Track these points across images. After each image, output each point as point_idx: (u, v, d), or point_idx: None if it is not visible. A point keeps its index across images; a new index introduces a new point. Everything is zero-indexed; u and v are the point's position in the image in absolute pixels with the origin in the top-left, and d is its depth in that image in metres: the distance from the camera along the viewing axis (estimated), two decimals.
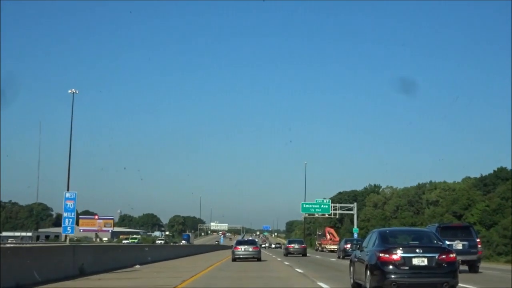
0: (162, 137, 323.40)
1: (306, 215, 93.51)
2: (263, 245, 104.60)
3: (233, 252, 35.21)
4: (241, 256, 34.51)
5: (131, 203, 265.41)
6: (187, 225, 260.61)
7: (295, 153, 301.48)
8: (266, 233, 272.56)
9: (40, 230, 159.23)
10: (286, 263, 32.51)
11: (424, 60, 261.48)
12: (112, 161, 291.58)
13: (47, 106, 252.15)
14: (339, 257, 44.98)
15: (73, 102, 53.66)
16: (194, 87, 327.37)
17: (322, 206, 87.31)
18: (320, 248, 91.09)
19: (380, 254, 13.25)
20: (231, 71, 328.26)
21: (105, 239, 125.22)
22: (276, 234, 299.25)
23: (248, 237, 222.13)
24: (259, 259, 34.64)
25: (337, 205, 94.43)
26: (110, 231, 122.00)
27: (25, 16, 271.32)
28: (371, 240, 14.62)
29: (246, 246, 35.47)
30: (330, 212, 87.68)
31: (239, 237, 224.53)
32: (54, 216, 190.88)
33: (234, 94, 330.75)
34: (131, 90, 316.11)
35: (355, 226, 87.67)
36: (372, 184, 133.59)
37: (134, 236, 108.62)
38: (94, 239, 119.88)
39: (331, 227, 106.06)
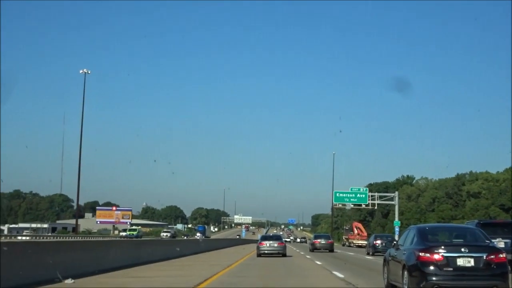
0: (190, 131, 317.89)
1: (340, 205, 79.67)
2: (288, 239, 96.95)
3: (258, 248, 34.50)
4: (266, 251, 33.72)
5: (157, 196, 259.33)
6: (211, 217, 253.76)
7: (322, 145, 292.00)
8: (291, 227, 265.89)
9: (58, 221, 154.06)
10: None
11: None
12: (140, 154, 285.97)
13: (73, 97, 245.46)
14: (368, 253, 42.97)
15: (84, 83, 56.41)
16: (223, 83, 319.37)
17: (358, 195, 75.83)
18: (347, 243, 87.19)
19: (420, 254, 11.94)
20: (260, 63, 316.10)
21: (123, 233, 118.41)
22: (301, 227, 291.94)
23: (273, 231, 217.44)
24: (284, 255, 33.74)
25: (376, 194, 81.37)
26: (128, 223, 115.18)
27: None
28: (409, 238, 13.26)
29: (271, 242, 34.54)
30: (368, 202, 76.22)
31: (264, 231, 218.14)
32: (75, 207, 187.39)
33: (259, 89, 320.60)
34: (161, 84, 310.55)
35: (396, 219, 77.53)
36: (405, 175, 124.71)
37: (134, 227, 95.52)
38: (112, 232, 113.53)
39: (359, 221, 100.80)
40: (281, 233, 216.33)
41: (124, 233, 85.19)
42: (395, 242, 15.39)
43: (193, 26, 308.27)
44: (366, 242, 73.52)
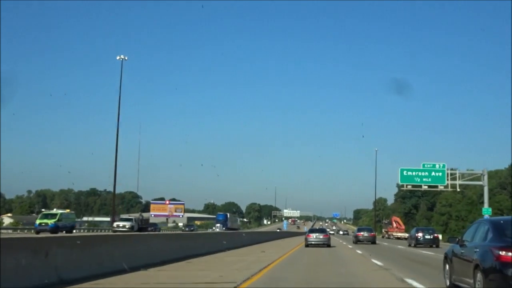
0: (237, 137, 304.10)
1: (410, 186, 55.48)
2: (332, 232, 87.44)
3: (306, 239, 33.82)
4: (313, 242, 33.14)
5: (211, 196, 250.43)
6: (264, 212, 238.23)
7: (364, 146, 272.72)
8: (335, 220, 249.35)
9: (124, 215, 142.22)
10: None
11: None
12: (189, 158, 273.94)
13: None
14: (409, 245, 39.06)
15: (122, 69, 51.08)
16: (267, 87, 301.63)
17: (434, 173, 52.91)
18: (386, 236, 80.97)
19: (500, 253, 8.36)
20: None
21: (180, 224, 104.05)
22: (344, 221, 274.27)
23: (319, 224, 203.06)
24: (328, 246, 33.00)
25: (456, 171, 55.30)
26: (181, 216, 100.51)
27: None
28: (479, 233, 9.79)
29: (317, 234, 33.99)
30: (446, 182, 53.31)
31: (310, 224, 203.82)
32: (144, 203, 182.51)
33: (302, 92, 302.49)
34: (205, 91, 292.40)
35: (486, 205, 53.66)
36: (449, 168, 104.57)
37: (54, 211, 49.77)
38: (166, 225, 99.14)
39: (402, 215, 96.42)
40: (326, 224, 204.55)
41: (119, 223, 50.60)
42: (458, 238, 10.85)
43: (237, 35, 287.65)
44: (404, 235, 68.60)
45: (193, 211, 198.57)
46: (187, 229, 70.20)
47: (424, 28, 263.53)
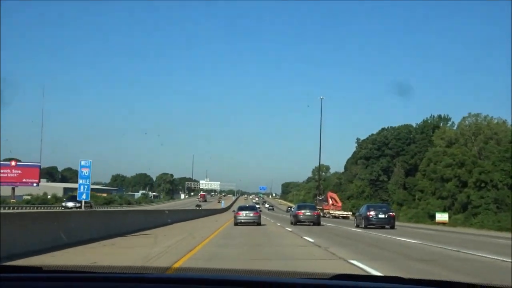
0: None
1: None
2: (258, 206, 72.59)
3: (235, 217, 31.14)
4: (242, 221, 30.39)
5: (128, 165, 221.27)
6: (176, 183, 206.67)
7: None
8: (261, 195, 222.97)
9: None
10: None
11: None
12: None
13: None
14: (357, 226, 31.27)
15: None
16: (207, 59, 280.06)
17: None
18: (322, 214, 65.79)
19: None
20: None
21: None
22: (273, 194, 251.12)
23: (243, 199, 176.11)
24: (259, 224, 30.49)
25: None
26: (34, 185, 66.94)
27: None
28: None
29: (247, 212, 31.51)
30: None
31: (233, 199, 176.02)
32: None
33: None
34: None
35: None
36: (435, 116, 76.03)
37: None
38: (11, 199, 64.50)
39: (334, 191, 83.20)
40: (256, 199, 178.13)
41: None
42: None
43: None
44: (341, 213, 65.54)
45: (99, 183, 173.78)
46: None
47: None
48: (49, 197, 74.08)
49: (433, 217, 53.98)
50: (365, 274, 7.26)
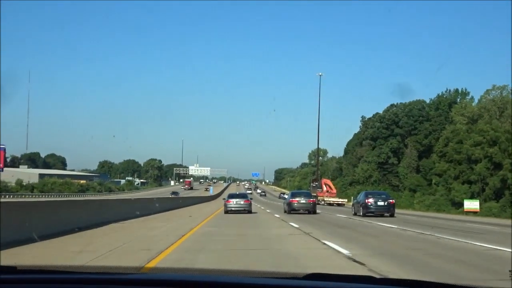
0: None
1: None
2: (249, 191, 73.67)
3: (225, 205, 30.64)
4: (232, 209, 29.93)
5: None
6: (166, 170, 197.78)
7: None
8: (254, 181, 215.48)
9: None
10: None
11: None
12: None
13: None
14: (355, 214, 29.77)
15: None
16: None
17: None
18: (316, 201, 54.95)
19: None
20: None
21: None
22: (265, 182, 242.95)
23: (235, 186, 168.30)
24: (250, 212, 29.80)
25: None
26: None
27: None
28: None
29: (237, 200, 30.79)
30: None
31: (224, 185, 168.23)
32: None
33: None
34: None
35: None
36: (451, 90, 67.11)
37: None
38: None
39: (331, 178, 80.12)
40: (247, 185, 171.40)
41: None
42: None
43: None
44: (336, 200, 64.60)
45: (86, 170, 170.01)
46: None
47: None
48: (13, 184, 65.40)
49: (458, 205, 46.08)
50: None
